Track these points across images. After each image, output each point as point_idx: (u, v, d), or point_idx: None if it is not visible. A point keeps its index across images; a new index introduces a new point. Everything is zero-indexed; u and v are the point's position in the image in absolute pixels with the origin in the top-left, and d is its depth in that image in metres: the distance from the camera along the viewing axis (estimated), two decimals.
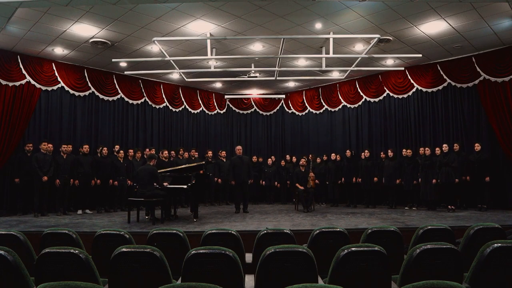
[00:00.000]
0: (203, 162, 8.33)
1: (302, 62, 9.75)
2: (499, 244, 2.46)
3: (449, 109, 9.47)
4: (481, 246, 2.52)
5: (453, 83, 9.37)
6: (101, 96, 9.89)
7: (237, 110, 13.41)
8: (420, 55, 8.50)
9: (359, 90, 11.32)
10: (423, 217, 7.33)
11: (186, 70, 8.84)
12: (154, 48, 8.28)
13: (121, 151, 9.13)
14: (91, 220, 7.20)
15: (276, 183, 11.39)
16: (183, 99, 11.88)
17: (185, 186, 7.01)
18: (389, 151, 9.54)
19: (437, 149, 8.82)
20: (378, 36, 7.09)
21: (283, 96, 13.11)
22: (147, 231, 5.41)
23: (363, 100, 11.26)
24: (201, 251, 2.48)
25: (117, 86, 10.24)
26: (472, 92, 9.14)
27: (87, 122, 9.61)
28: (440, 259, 2.53)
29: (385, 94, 10.75)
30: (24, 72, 8.51)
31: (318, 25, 7.34)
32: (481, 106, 8.91)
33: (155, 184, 6.81)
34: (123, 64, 9.28)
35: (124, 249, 2.53)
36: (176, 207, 7.66)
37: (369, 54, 8.15)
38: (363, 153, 9.95)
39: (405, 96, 10.33)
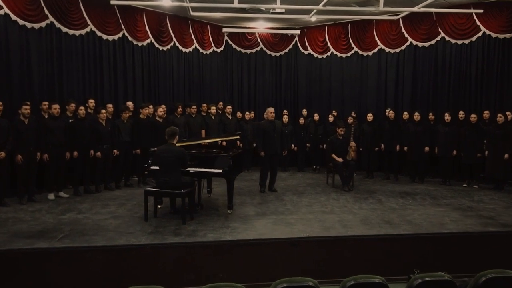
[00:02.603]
0: (238, 136, 7.23)
1: None
2: None
3: None
4: None
5: None
6: (64, 29, 8.04)
7: (238, 49, 11.87)
8: None
9: (403, 31, 10.14)
10: (507, 205, 6.79)
11: None
12: None
13: (103, 111, 7.63)
14: (85, 215, 5.98)
15: (292, 146, 10.47)
16: (172, 33, 10.17)
17: (220, 171, 5.88)
18: (446, 114, 8.72)
19: (508, 113, 8.14)
20: None
21: (298, 32, 11.66)
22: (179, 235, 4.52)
23: (407, 43, 10.14)
24: None
25: (85, 14, 8.36)
26: None
27: (46, 67, 7.84)
28: None
29: (438, 38, 9.67)
30: None
31: None
32: None
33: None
34: None
35: None
36: (200, 192, 6.63)
37: None
38: (413, 116, 9.07)
39: (466, 42, 9.32)
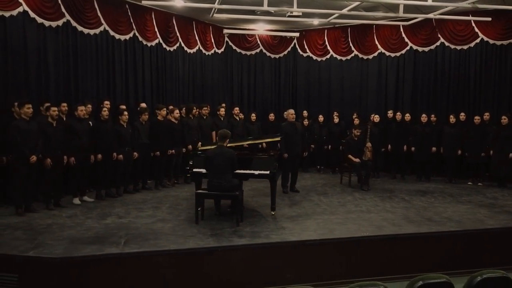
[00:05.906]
0: (278, 138, 7.30)
1: None
2: None
3: None
4: None
5: None
6: (79, 28, 7.76)
7: (238, 50, 11.91)
8: None
9: (403, 35, 10.63)
10: None
11: None
12: None
13: (125, 112, 7.43)
14: (128, 219, 5.84)
15: None
16: (178, 34, 10.04)
17: (267, 172, 5.93)
18: (451, 116, 9.27)
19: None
20: None
21: (297, 34, 11.90)
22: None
23: (407, 48, 10.64)
24: None
25: (99, 13, 8.11)
26: None
27: (62, 67, 7.54)
28: None
29: (438, 43, 10.23)
30: None
31: None
32: None
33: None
34: None
35: None
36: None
37: None
38: (419, 117, 9.55)
39: (465, 47, 9.94)
